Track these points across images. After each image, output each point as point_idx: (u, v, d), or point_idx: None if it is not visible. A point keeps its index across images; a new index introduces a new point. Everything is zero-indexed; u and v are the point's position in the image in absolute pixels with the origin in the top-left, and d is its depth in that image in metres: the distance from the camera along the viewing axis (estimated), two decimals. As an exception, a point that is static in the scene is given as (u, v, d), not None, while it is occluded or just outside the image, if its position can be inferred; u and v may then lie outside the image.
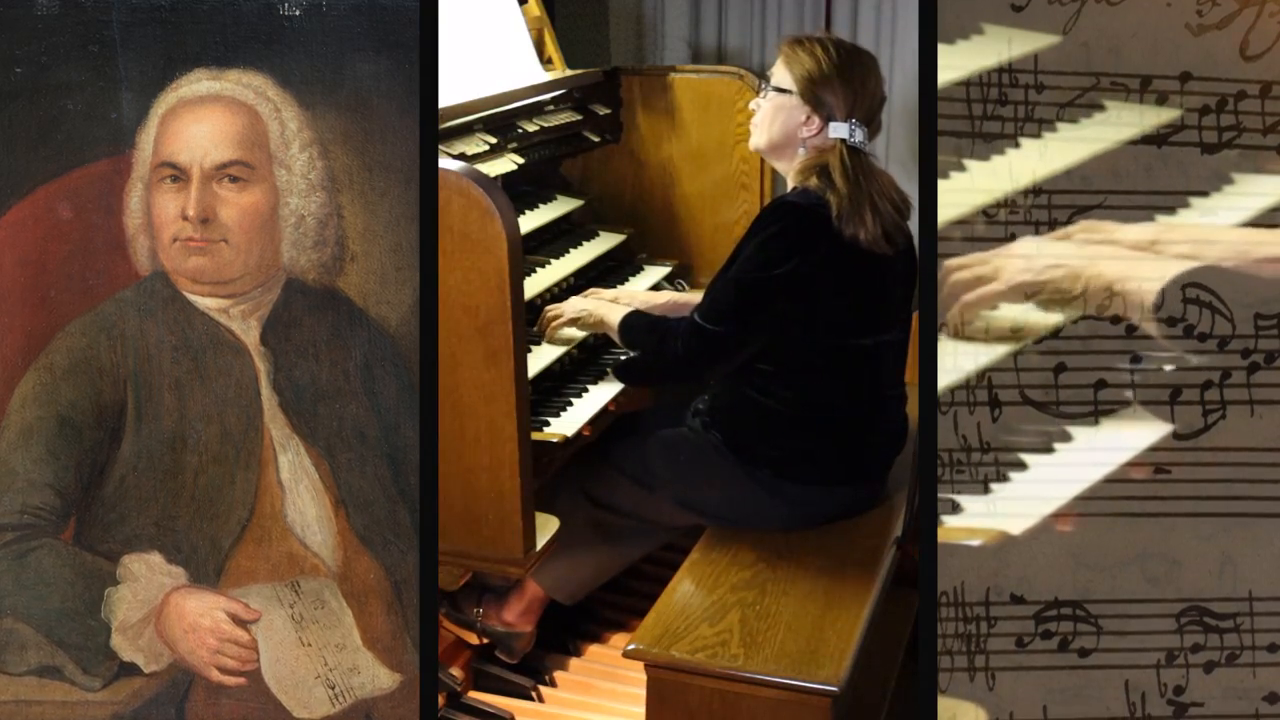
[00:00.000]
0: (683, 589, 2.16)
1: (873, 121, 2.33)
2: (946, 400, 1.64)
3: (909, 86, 3.14)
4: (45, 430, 1.76)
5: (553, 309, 2.48)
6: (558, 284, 2.62)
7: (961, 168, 1.68)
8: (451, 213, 1.82)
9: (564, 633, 2.65)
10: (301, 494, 1.78)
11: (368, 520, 1.78)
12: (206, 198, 1.76)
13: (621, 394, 2.45)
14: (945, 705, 1.64)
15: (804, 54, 2.29)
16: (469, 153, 2.38)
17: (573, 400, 2.37)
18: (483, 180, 1.84)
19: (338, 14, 1.75)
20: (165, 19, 1.75)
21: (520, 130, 2.61)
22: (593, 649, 2.66)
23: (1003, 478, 1.64)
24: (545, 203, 2.87)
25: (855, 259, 2.22)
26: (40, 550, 1.76)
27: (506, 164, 2.49)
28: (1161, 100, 1.69)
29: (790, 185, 2.35)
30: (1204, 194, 1.70)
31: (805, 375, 2.29)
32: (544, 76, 2.82)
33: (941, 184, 1.66)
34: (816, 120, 2.29)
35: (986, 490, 1.64)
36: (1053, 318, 1.64)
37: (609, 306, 2.46)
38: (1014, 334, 1.65)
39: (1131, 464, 1.63)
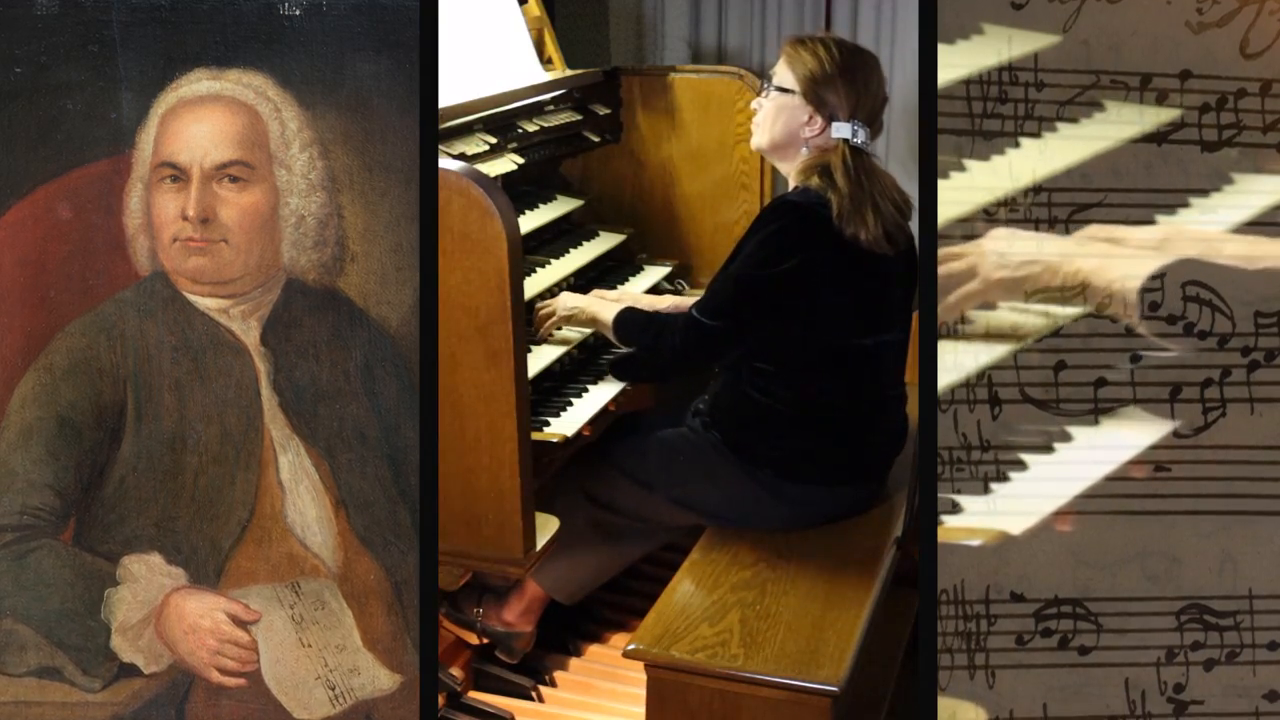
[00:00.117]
0: (683, 589, 2.16)
1: (875, 122, 2.34)
2: (946, 398, 1.64)
3: (909, 86, 3.14)
4: (45, 431, 1.76)
5: (544, 307, 2.48)
6: (558, 284, 2.63)
7: (961, 167, 1.68)
8: (451, 213, 1.82)
9: (564, 633, 2.65)
10: (302, 495, 1.78)
11: (368, 521, 1.78)
12: (206, 198, 1.76)
13: (621, 394, 2.45)
14: (945, 705, 1.64)
15: (807, 54, 2.30)
16: (469, 153, 2.38)
17: (573, 400, 2.37)
18: (483, 180, 1.84)
19: (338, 14, 1.75)
20: (165, 19, 1.75)
21: (520, 130, 2.61)
22: (593, 649, 2.66)
23: (1003, 477, 1.64)
24: (545, 203, 2.87)
25: (856, 258, 2.22)
26: (40, 551, 1.76)
27: (506, 164, 2.49)
28: (1161, 98, 1.69)
29: (791, 185, 2.35)
30: (1204, 192, 1.70)
31: (806, 375, 2.29)
32: (544, 76, 2.82)
33: (941, 183, 1.66)
34: (819, 120, 2.29)
35: (986, 489, 1.64)
36: (1053, 315, 1.64)
37: (600, 303, 2.47)
38: (1014, 332, 1.65)
39: (1131, 462, 1.63)
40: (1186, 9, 1.68)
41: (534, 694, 2.52)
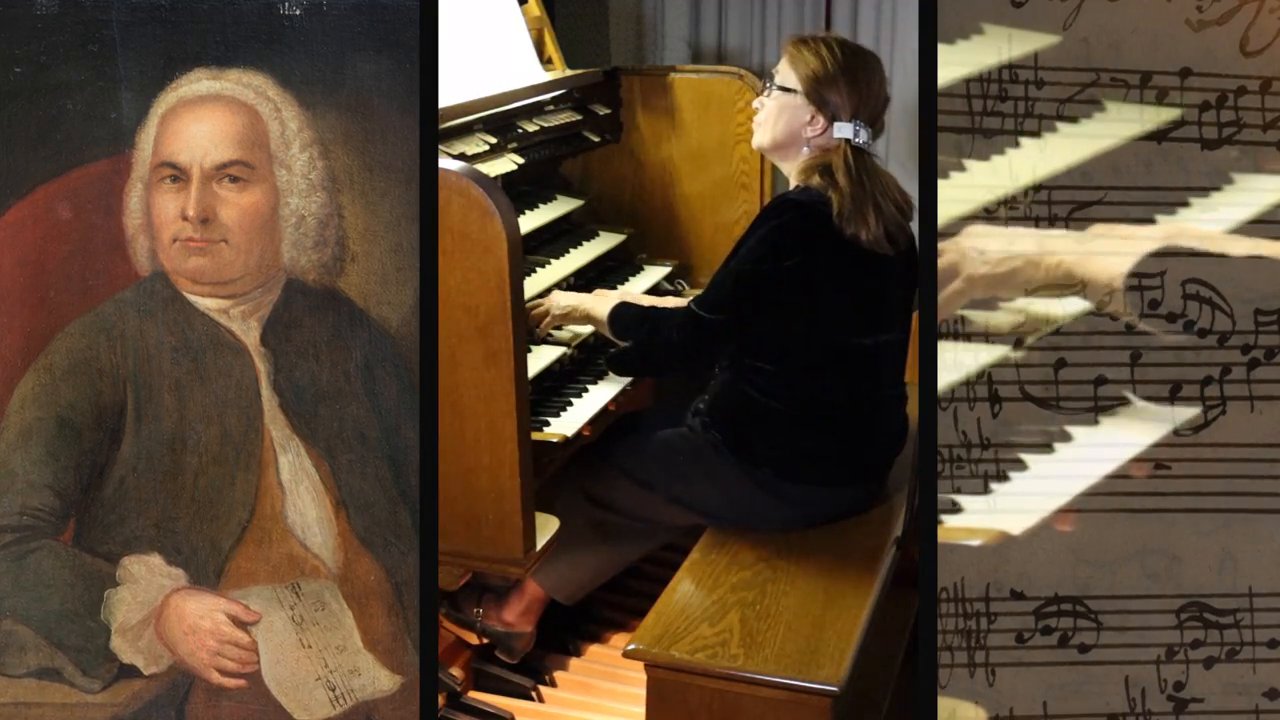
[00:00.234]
0: (683, 589, 2.16)
1: (876, 122, 2.34)
2: (946, 396, 1.64)
3: (909, 86, 3.14)
4: (45, 431, 1.76)
5: (535, 306, 2.47)
6: (558, 284, 2.62)
7: (962, 167, 1.68)
8: (451, 213, 1.82)
9: (564, 633, 2.65)
10: (302, 495, 1.78)
11: (368, 522, 1.78)
12: (206, 198, 1.76)
13: (621, 394, 2.45)
14: (945, 704, 1.64)
15: (809, 54, 2.30)
16: (469, 153, 2.38)
17: (573, 400, 2.37)
18: (483, 180, 1.84)
19: (338, 13, 1.75)
20: (165, 18, 1.75)
21: (520, 130, 2.61)
22: (593, 649, 2.66)
23: (1003, 475, 1.64)
24: (545, 203, 2.87)
25: (856, 257, 2.22)
26: (40, 552, 1.76)
27: (506, 164, 2.49)
28: (1161, 96, 1.69)
29: (792, 184, 2.35)
30: (1204, 190, 1.70)
31: (805, 375, 2.29)
32: (544, 76, 2.82)
33: (941, 183, 1.66)
34: (821, 120, 2.29)
35: (987, 487, 1.64)
36: (1053, 313, 1.64)
37: (593, 298, 2.47)
38: (1014, 330, 1.66)
39: (1131, 460, 1.63)
40: (1186, 7, 1.68)
41: (534, 694, 2.52)
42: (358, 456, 1.78)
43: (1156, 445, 1.64)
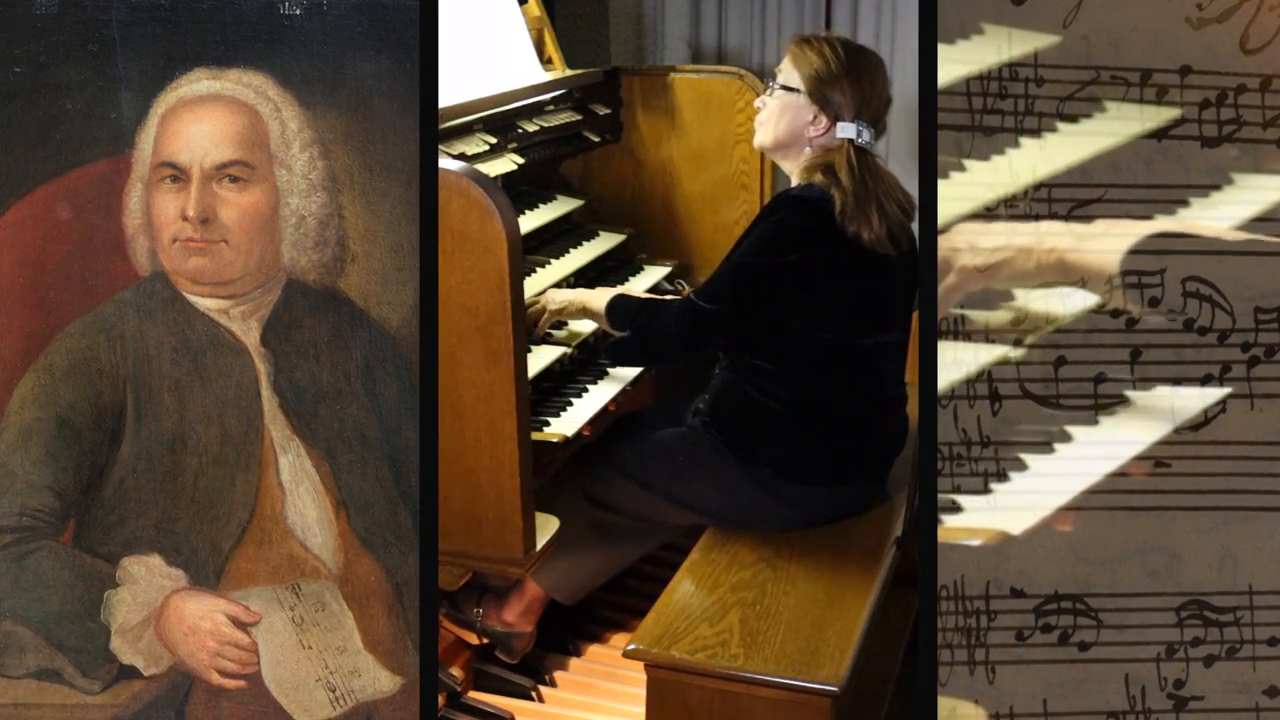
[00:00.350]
0: (683, 589, 2.16)
1: (879, 122, 2.34)
2: (946, 394, 1.64)
3: (909, 86, 3.14)
4: (44, 432, 1.76)
5: (532, 305, 2.47)
6: (558, 284, 2.62)
7: (962, 167, 1.68)
8: (451, 213, 1.82)
9: (564, 633, 2.65)
10: (302, 496, 1.78)
11: (369, 522, 1.78)
12: (206, 198, 1.76)
13: (621, 394, 2.45)
14: (945, 702, 1.64)
15: (812, 53, 2.30)
16: (469, 153, 2.38)
17: (573, 400, 2.37)
18: (483, 180, 1.84)
19: (338, 13, 1.75)
20: (165, 18, 1.75)
21: (520, 130, 2.61)
22: (593, 649, 2.66)
23: (1003, 472, 1.65)
24: (545, 203, 2.87)
25: (858, 256, 2.22)
26: (39, 552, 1.76)
27: (506, 164, 2.49)
28: (1161, 94, 1.69)
29: (794, 183, 2.35)
30: (1203, 187, 1.70)
31: (806, 375, 2.29)
32: (544, 76, 2.83)
33: (941, 183, 1.67)
34: (824, 120, 2.29)
35: (987, 485, 1.64)
36: (1053, 310, 1.64)
37: (589, 293, 2.47)
38: (1014, 328, 1.66)
39: (1131, 458, 1.63)
40: (1186, 5, 1.68)
41: (534, 694, 2.52)
42: (358, 457, 1.78)
43: (1156, 443, 1.64)
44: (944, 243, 1.64)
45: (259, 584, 1.77)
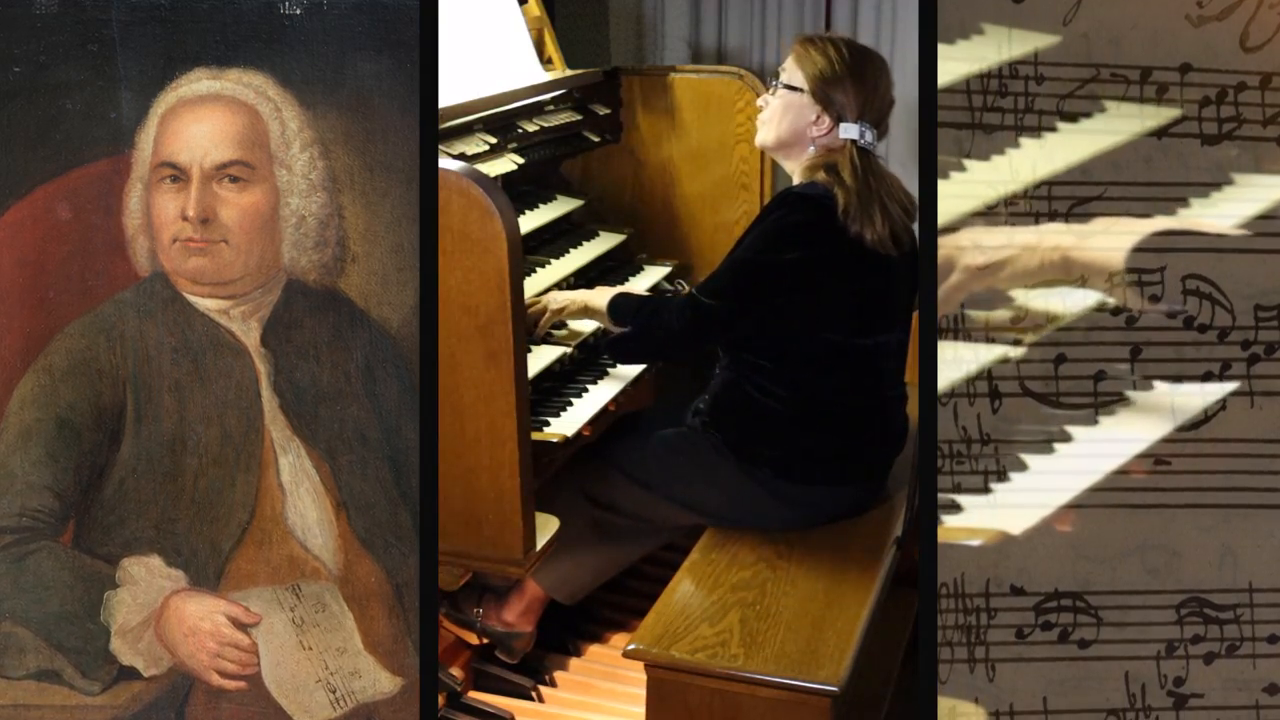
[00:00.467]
0: (683, 589, 2.16)
1: (881, 124, 2.34)
2: (946, 392, 1.64)
3: (909, 85, 3.15)
4: (44, 432, 1.75)
5: (533, 305, 2.47)
6: (558, 284, 2.62)
7: (962, 167, 1.68)
8: (451, 213, 1.82)
9: (564, 633, 2.65)
10: (302, 496, 1.78)
11: (369, 523, 1.78)
12: (206, 198, 1.76)
13: (621, 394, 2.45)
14: (945, 702, 1.64)
15: (816, 53, 2.30)
16: (469, 153, 2.38)
17: (573, 400, 2.37)
18: (483, 180, 1.84)
19: (339, 13, 1.75)
20: (165, 18, 1.75)
21: (520, 130, 2.61)
22: (593, 649, 2.66)
23: (1003, 470, 1.65)
24: (545, 203, 2.87)
25: (859, 255, 2.22)
26: (39, 553, 1.75)
27: (506, 164, 2.50)
28: (1161, 92, 1.69)
29: (796, 181, 2.35)
30: (1204, 185, 1.70)
31: (806, 375, 2.29)
32: (544, 76, 2.83)
33: (941, 182, 1.67)
34: (826, 120, 2.30)
35: (987, 483, 1.64)
36: (1053, 308, 1.65)
37: (589, 292, 2.47)
38: (1014, 326, 1.66)
39: (1131, 456, 1.63)
40: (1186, 3, 1.68)
41: (534, 694, 2.52)
42: (358, 457, 1.78)
43: (1157, 440, 1.64)
44: (947, 242, 1.64)
45: (259, 585, 1.77)
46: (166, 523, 1.76)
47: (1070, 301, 1.65)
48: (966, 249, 1.62)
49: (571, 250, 2.81)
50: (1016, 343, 1.66)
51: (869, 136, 2.29)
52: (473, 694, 2.51)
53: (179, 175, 1.76)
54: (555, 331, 2.51)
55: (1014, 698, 1.64)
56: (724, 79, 2.95)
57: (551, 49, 2.95)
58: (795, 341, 2.27)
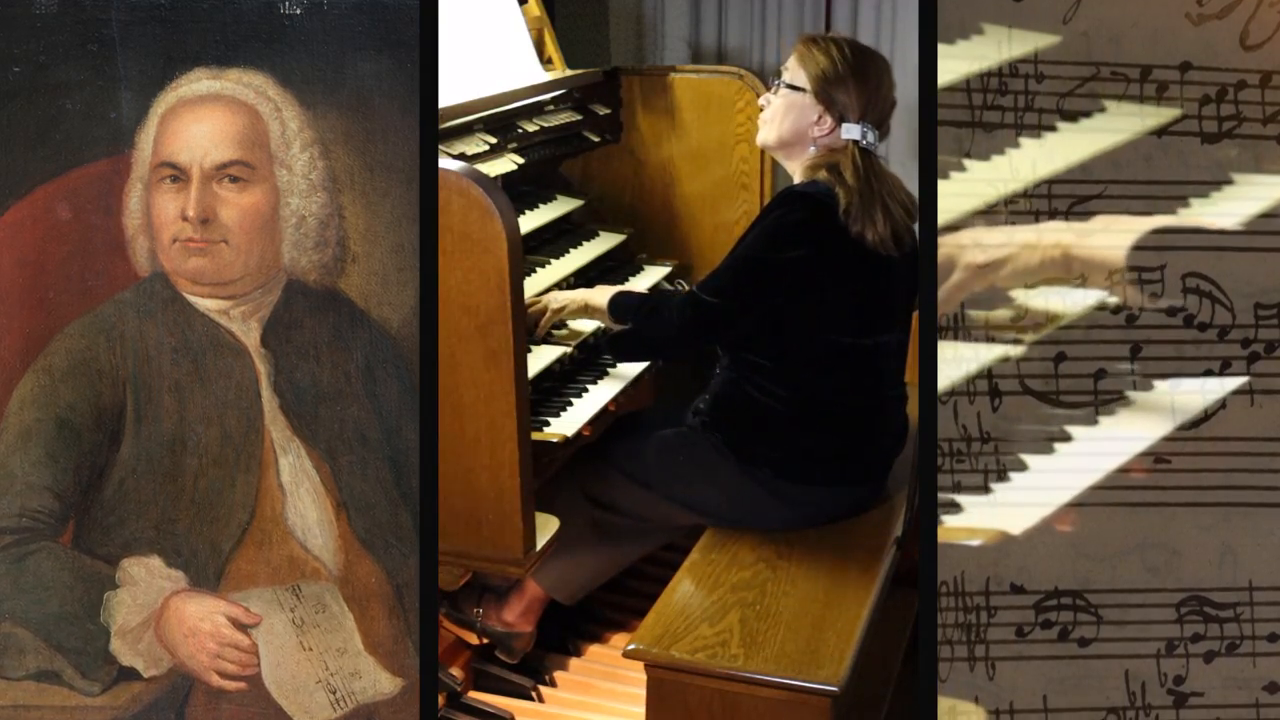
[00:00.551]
0: (683, 589, 2.16)
1: (883, 124, 2.34)
2: (947, 391, 1.64)
3: (909, 85, 3.15)
4: (44, 433, 1.75)
5: (533, 305, 2.47)
6: (558, 284, 2.62)
7: (962, 167, 1.68)
8: (451, 213, 1.82)
9: (564, 633, 2.65)
10: (302, 497, 1.78)
11: (369, 523, 1.78)
12: (206, 198, 1.76)
13: (621, 394, 2.45)
14: (945, 701, 1.64)
15: (819, 53, 2.30)
16: (469, 153, 2.38)
17: (573, 400, 2.37)
18: (483, 180, 1.84)
19: (339, 13, 1.75)
20: (165, 18, 1.75)
21: (520, 130, 2.61)
22: (593, 649, 2.66)
23: (1003, 468, 1.65)
24: (545, 203, 2.87)
25: (860, 255, 2.22)
26: (39, 554, 1.75)
27: (506, 164, 2.50)
28: (1161, 90, 1.69)
29: (797, 180, 2.35)
30: (1203, 184, 1.70)
31: (806, 374, 2.29)
32: (544, 76, 2.83)
33: (942, 181, 1.67)
34: (828, 120, 2.30)
35: (986, 482, 1.64)
36: (1053, 307, 1.65)
37: (589, 290, 2.47)
38: (1014, 325, 1.66)
39: (1131, 454, 1.63)
40: (1186, 1, 1.69)
41: (534, 694, 2.52)
42: (358, 458, 1.78)
43: (1157, 439, 1.64)
44: (948, 241, 1.64)
45: (259, 585, 1.77)
46: (166, 523, 1.76)
47: (1070, 300, 1.65)
48: (967, 248, 1.62)
49: (571, 250, 2.81)
50: (1016, 341, 1.66)
51: (871, 137, 2.29)
52: (473, 694, 2.51)
53: (179, 175, 1.76)
54: (555, 331, 2.51)
55: (1014, 696, 1.64)
56: (724, 79, 2.95)
57: (551, 49, 2.95)
58: (795, 341, 2.27)
